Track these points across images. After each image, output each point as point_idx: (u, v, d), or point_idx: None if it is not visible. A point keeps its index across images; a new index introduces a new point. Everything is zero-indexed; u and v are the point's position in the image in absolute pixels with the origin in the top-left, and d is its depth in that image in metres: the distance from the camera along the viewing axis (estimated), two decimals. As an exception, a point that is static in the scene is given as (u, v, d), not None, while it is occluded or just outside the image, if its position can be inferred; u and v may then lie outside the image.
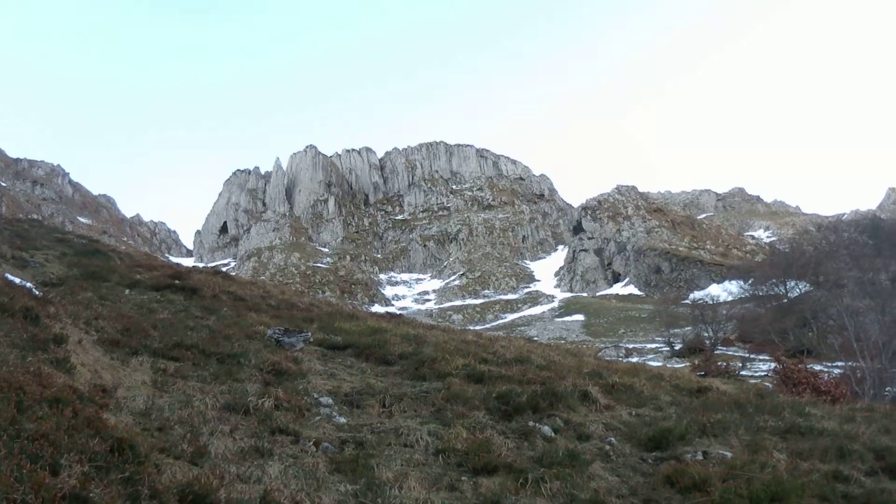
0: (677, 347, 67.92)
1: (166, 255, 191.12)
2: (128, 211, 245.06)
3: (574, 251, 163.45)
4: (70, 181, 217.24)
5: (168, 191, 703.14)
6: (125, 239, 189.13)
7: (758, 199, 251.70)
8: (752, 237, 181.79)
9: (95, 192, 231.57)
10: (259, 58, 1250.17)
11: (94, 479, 6.78)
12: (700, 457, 11.73)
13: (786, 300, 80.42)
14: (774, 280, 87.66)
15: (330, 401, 13.31)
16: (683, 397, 17.82)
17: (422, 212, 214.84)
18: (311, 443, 10.60)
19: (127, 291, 25.14)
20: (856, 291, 69.32)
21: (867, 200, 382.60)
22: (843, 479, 10.74)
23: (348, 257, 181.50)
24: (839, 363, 45.40)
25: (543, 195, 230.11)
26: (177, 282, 28.13)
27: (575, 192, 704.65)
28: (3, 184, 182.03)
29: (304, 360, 16.73)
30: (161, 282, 27.81)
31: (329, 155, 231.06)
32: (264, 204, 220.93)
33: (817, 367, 38.56)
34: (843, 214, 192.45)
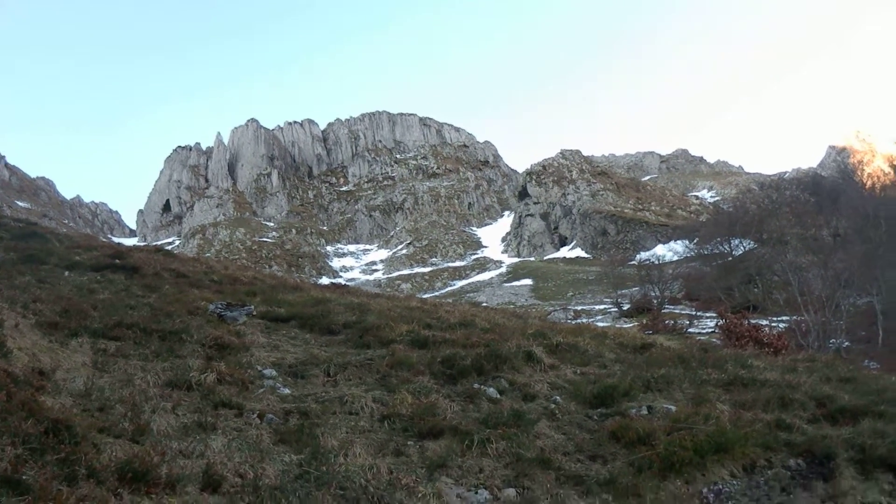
0: (625, 308, 68.36)
1: (109, 235, 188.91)
2: (68, 193, 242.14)
3: (520, 216, 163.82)
4: (6, 164, 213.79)
5: (109, 170, 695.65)
6: (66, 221, 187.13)
7: (701, 159, 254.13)
8: (697, 197, 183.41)
9: (33, 174, 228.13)
10: (197, 32, 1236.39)
11: (28, 461, 6.70)
12: (645, 412, 11.83)
13: (731, 258, 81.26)
14: (719, 238, 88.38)
15: (274, 372, 13.25)
16: (628, 354, 17.95)
17: (366, 182, 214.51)
18: (255, 415, 10.53)
19: (66, 273, 24.76)
20: (799, 247, 70.47)
21: (808, 159, 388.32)
22: (785, 428, 10.86)
23: (294, 231, 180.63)
24: (784, 317, 46.11)
25: (488, 162, 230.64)
26: (117, 261, 27.77)
27: (519, 157, 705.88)
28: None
29: (247, 333, 16.62)
30: (101, 262, 27.43)
31: (271, 128, 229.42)
32: (207, 180, 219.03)
33: (763, 323, 39.10)
34: (786, 173, 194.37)
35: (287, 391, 12.26)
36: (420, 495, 7.99)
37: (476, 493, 8.61)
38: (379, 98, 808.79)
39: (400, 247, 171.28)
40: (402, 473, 8.65)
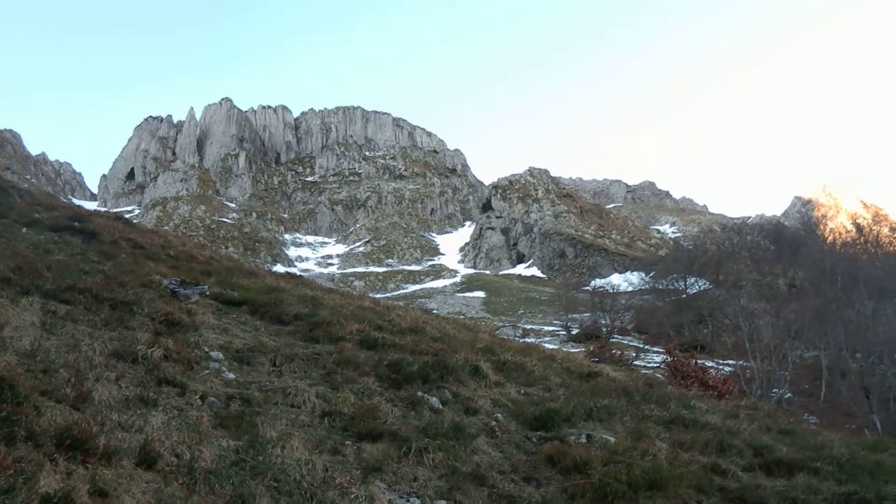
0: (574, 332, 68.58)
1: (69, 196, 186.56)
2: (34, 148, 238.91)
3: (481, 228, 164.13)
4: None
5: (76, 131, 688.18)
6: (28, 177, 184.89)
7: (667, 194, 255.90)
8: (658, 231, 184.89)
9: (0, 126, 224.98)
10: (184, 6, 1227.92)
11: (-31, 416, 6.67)
12: (584, 440, 11.91)
13: (684, 295, 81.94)
14: (675, 275, 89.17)
15: (220, 355, 13.19)
16: (573, 380, 18.03)
17: (332, 175, 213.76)
18: (198, 396, 10.48)
19: (24, 230, 24.53)
20: (753, 293, 71.17)
21: (773, 207, 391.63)
22: (720, 473, 11.00)
23: (254, 214, 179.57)
24: (731, 361, 46.55)
25: (456, 170, 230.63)
26: (76, 224, 27.58)
27: (487, 169, 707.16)
28: None
29: (198, 312, 16.49)
30: (60, 223, 27.22)
31: (244, 110, 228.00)
32: (174, 153, 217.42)
33: (709, 364, 39.44)
34: (749, 218, 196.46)
35: (232, 376, 12.21)
36: (353, 496, 7.99)
37: (408, 500, 8.64)
38: (355, 94, 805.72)
39: (358, 244, 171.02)
40: (338, 472, 8.65)
